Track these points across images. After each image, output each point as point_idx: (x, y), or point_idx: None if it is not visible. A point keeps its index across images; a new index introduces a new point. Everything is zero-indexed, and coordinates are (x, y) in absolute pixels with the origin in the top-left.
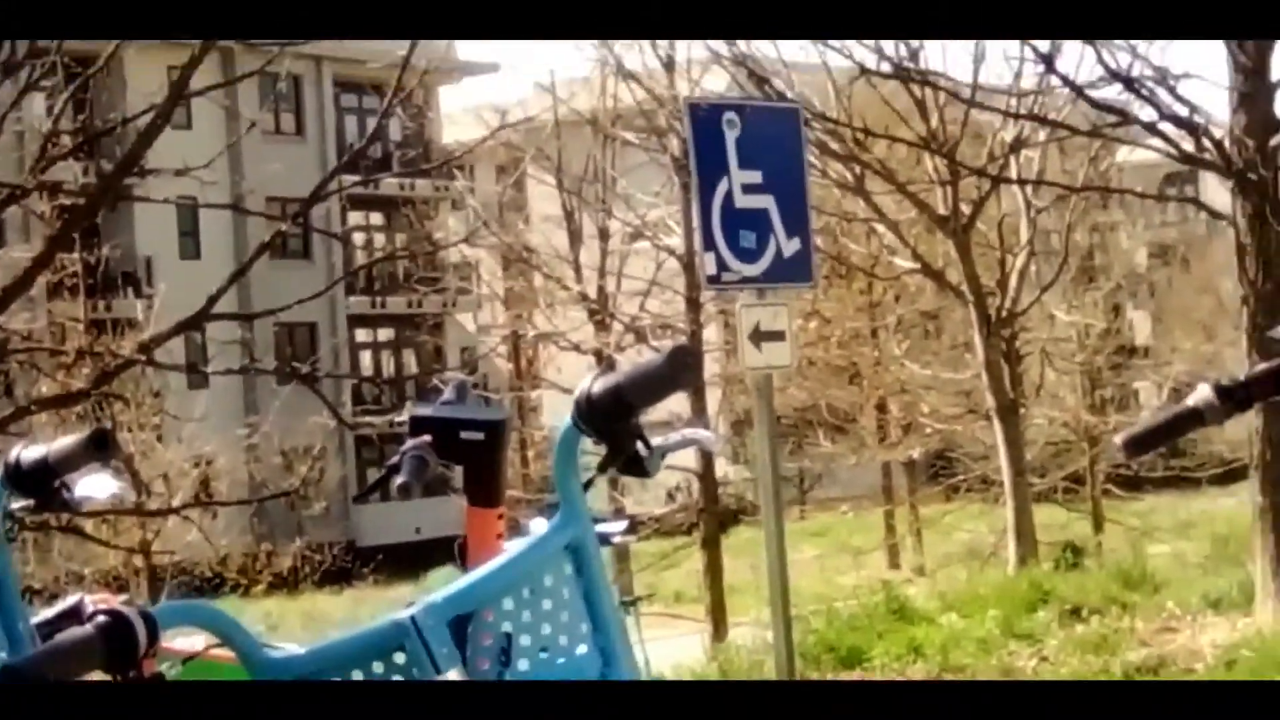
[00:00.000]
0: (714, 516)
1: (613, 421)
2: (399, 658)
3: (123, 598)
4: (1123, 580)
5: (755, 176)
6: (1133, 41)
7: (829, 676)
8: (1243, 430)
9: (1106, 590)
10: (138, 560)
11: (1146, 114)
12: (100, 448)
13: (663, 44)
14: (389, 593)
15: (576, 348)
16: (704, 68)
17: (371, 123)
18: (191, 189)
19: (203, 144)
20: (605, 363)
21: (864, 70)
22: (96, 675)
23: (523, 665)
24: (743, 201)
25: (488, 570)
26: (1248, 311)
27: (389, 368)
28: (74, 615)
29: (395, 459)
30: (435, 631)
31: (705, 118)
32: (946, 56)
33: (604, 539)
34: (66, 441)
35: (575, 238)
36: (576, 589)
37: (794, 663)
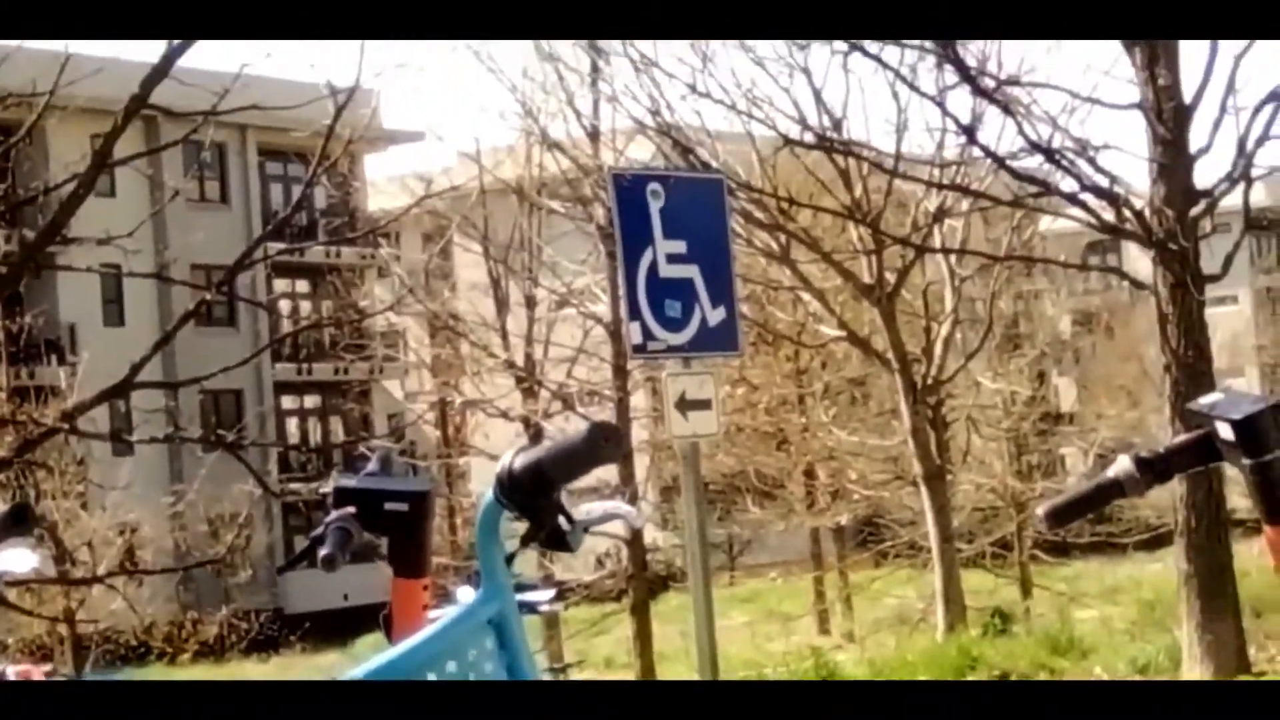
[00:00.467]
0: (643, 583)
1: (534, 497)
2: None
3: (46, 667)
4: (1050, 646)
5: (680, 246)
6: (1052, 113)
7: None
8: (1168, 496)
9: (1034, 656)
10: (62, 629)
11: (1067, 184)
12: (20, 522)
13: (587, 113)
14: (317, 660)
15: (504, 414)
16: (629, 137)
17: (297, 190)
18: (115, 257)
19: (127, 212)
20: (533, 430)
21: (788, 140)
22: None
23: None
24: (667, 271)
25: (410, 644)
26: (1170, 379)
27: (316, 435)
28: None
29: (319, 530)
30: None
31: (629, 188)
32: (869, 127)
33: (531, 608)
34: None
35: (502, 305)
36: (500, 663)
37: None
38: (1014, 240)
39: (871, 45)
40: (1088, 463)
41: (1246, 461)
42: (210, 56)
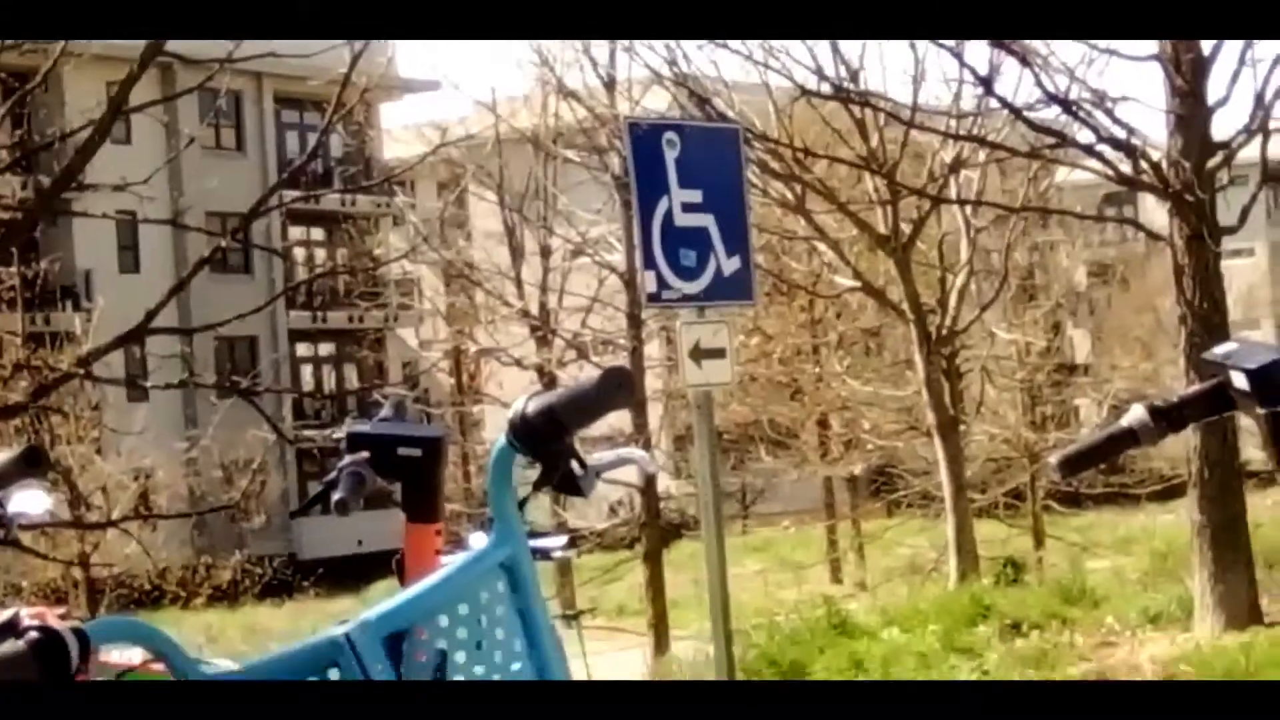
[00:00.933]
0: (656, 531)
1: (547, 442)
2: (333, 674)
3: (60, 610)
4: (1062, 595)
5: (695, 195)
6: (1070, 64)
7: None
8: (1182, 447)
9: (1046, 605)
10: (76, 573)
11: (1084, 136)
12: (32, 464)
13: (603, 63)
14: (330, 605)
15: (518, 363)
16: (645, 87)
17: (312, 139)
18: (131, 204)
19: (142, 159)
20: (547, 379)
21: (804, 91)
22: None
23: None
24: (683, 220)
25: (422, 588)
26: (1185, 330)
27: (330, 382)
28: (8, 629)
29: (333, 475)
30: (369, 649)
31: (645, 137)
32: (886, 77)
33: (544, 554)
34: None
35: (517, 254)
36: (511, 606)
37: (735, 677)
38: (1030, 191)
39: None
40: (1102, 414)
41: (1261, 411)
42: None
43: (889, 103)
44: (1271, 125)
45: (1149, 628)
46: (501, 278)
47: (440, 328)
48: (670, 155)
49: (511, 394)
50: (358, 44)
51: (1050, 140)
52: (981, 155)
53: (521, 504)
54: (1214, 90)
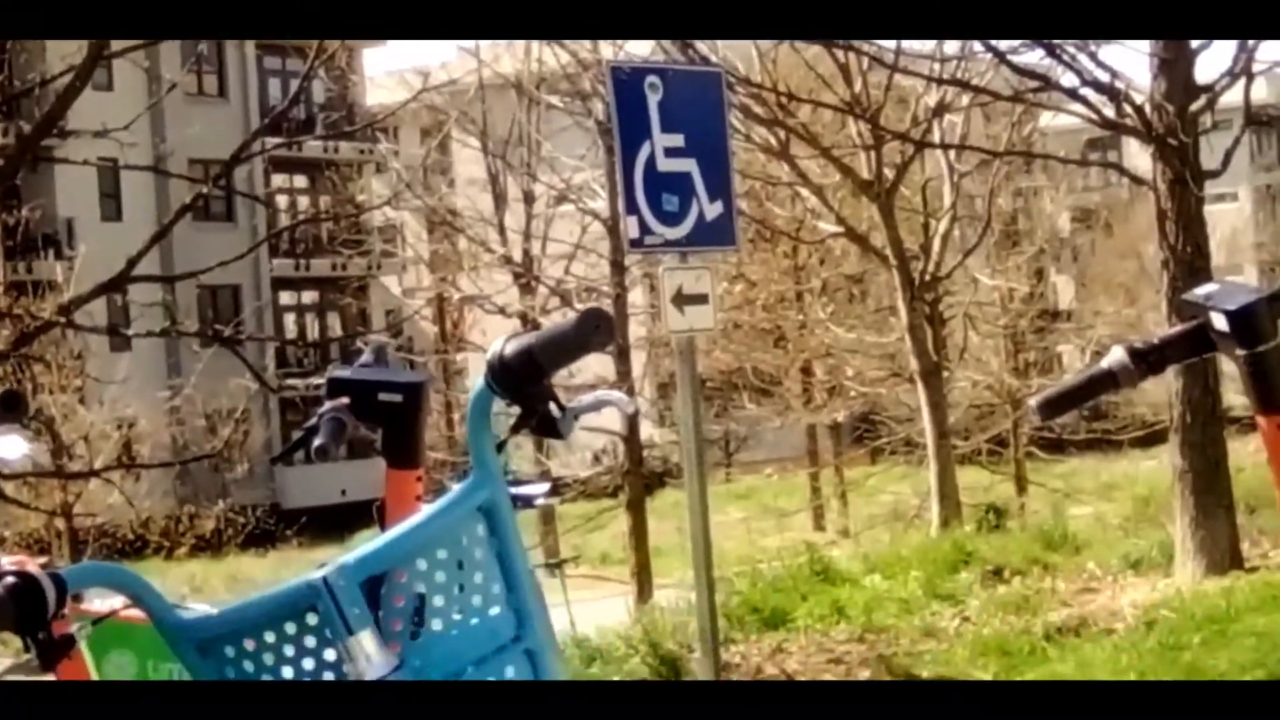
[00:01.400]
0: (639, 479)
1: (525, 384)
2: (311, 618)
3: (42, 560)
4: (1044, 541)
5: (678, 140)
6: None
7: (753, 638)
8: (1164, 393)
9: (1028, 551)
10: (59, 523)
11: (1068, 80)
12: (9, 408)
13: None
14: (314, 555)
15: (502, 311)
16: None
17: (295, 85)
18: (112, 150)
19: (124, 105)
20: (530, 327)
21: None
22: (6, 635)
23: (436, 626)
24: (665, 165)
25: (400, 531)
26: (1168, 276)
27: (313, 330)
28: None
29: (313, 421)
30: (347, 592)
31: (627, 81)
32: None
33: (526, 501)
34: None
35: (500, 201)
36: (490, 550)
37: (717, 624)
38: (1014, 136)
39: None
40: (1085, 360)
41: (1240, 352)
42: None
43: (873, 47)
44: (1255, 68)
45: (1130, 573)
46: (485, 225)
47: (423, 275)
48: (653, 99)
49: None
50: None
51: (1033, 84)
52: (965, 99)
53: (500, 446)
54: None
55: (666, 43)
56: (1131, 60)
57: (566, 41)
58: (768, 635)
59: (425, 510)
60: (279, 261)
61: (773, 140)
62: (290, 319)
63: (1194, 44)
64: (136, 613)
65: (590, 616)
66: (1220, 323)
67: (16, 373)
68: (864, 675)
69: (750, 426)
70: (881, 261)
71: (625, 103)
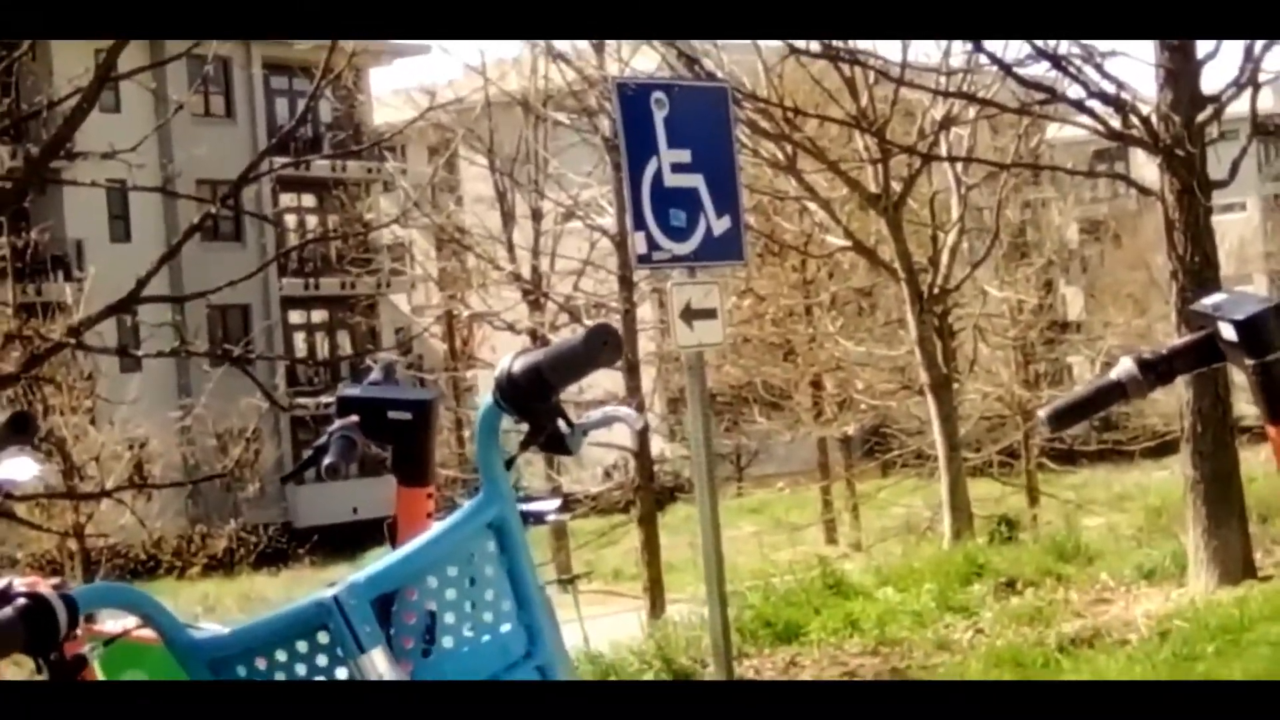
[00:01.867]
0: (650, 494)
1: (533, 400)
2: (322, 637)
3: (54, 581)
4: (1057, 553)
5: (684, 156)
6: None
7: (766, 651)
8: (1174, 403)
9: (1041, 563)
10: (72, 544)
11: (1074, 91)
12: (19, 430)
13: None
14: (326, 573)
15: (511, 327)
16: (634, 48)
17: (302, 105)
18: (121, 172)
19: (131, 127)
20: (539, 344)
21: (793, 50)
22: (19, 656)
23: (447, 643)
24: (672, 180)
25: (411, 549)
26: (1176, 286)
27: (323, 349)
28: (0, 598)
29: (323, 439)
30: (358, 610)
31: (634, 98)
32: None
33: (537, 517)
34: None
35: (508, 218)
36: (500, 567)
37: (730, 638)
38: (1021, 148)
39: None
40: (1094, 371)
41: (1249, 362)
42: None
43: (879, 60)
44: (1261, 78)
45: (1143, 584)
46: (493, 242)
47: (432, 293)
48: (659, 115)
49: None
50: None
51: (1040, 96)
52: (972, 112)
53: (509, 463)
54: (1203, 44)
55: (672, 58)
56: (1138, 71)
57: (572, 58)
58: (781, 649)
59: (436, 527)
60: (288, 280)
61: (780, 155)
62: (300, 338)
63: (1200, 54)
64: (148, 633)
65: (603, 632)
66: (1229, 333)
67: (27, 394)
68: None
69: (761, 440)
70: (890, 274)
71: (632, 119)
